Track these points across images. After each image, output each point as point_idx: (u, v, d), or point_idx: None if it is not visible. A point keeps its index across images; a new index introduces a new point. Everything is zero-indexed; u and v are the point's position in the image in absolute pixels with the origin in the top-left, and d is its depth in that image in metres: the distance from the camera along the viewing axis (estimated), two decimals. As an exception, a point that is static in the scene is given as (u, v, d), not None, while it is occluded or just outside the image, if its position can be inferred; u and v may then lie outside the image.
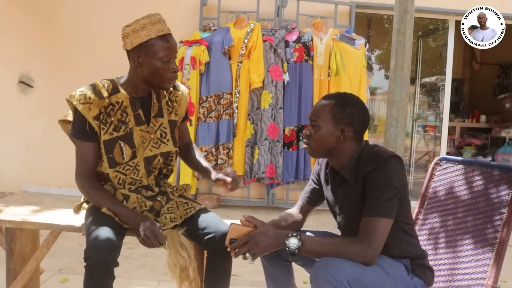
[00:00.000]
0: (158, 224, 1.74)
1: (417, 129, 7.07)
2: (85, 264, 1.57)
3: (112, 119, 1.78)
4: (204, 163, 2.02)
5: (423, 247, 1.80)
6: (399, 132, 3.11)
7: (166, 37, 1.76)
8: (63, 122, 1.91)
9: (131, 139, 1.81)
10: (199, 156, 2.06)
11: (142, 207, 1.83)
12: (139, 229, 1.68)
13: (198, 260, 1.90)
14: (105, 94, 1.78)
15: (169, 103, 1.93)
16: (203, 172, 2.01)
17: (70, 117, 1.86)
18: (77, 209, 1.94)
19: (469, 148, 7.23)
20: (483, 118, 7.44)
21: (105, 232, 1.61)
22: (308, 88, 4.61)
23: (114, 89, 1.81)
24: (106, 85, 1.81)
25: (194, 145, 2.11)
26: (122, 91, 1.82)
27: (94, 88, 1.79)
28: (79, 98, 1.76)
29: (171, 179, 2.11)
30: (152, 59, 1.74)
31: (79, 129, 1.78)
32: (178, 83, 1.99)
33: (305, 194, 1.88)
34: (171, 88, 1.93)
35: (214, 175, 1.89)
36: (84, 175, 1.79)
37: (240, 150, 4.63)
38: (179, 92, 1.97)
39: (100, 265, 1.55)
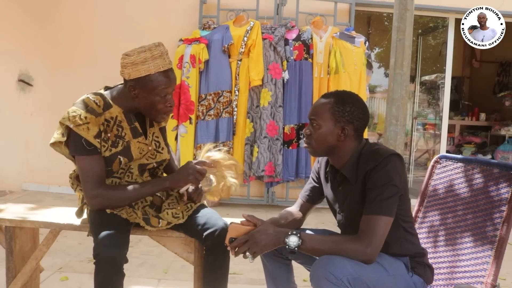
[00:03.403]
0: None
1: (416, 127, 7.07)
2: (94, 261, 1.57)
3: (109, 135, 1.75)
4: (175, 167, 2.03)
5: (423, 245, 1.80)
6: (399, 130, 3.11)
7: (166, 73, 1.71)
8: (55, 144, 1.80)
9: (129, 152, 1.80)
10: (172, 161, 2.04)
11: (143, 202, 1.84)
12: (182, 177, 1.78)
13: (198, 257, 1.90)
14: (99, 110, 1.74)
15: None
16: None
17: (60, 138, 1.76)
18: (79, 213, 1.94)
19: (468, 146, 7.23)
20: (482, 116, 7.44)
21: (111, 229, 1.62)
22: (308, 86, 4.61)
23: (106, 105, 1.77)
24: (97, 101, 1.75)
25: (169, 148, 2.06)
26: (114, 105, 1.78)
27: (87, 106, 1.73)
28: (74, 120, 1.69)
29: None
30: (149, 94, 1.70)
31: (80, 146, 1.71)
32: None
33: (305, 192, 1.88)
34: (172, 112, 1.93)
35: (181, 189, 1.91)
36: (96, 186, 1.71)
37: (240, 148, 4.63)
38: None
39: (109, 261, 1.55)
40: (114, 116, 1.77)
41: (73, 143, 1.73)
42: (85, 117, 1.70)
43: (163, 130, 1.95)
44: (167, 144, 1.95)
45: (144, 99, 1.72)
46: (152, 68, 1.68)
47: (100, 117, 1.74)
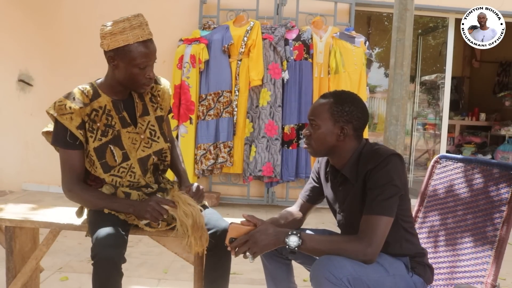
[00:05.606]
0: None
1: (416, 127, 7.07)
2: (92, 261, 1.56)
3: (98, 124, 1.75)
4: (181, 167, 2.02)
5: (423, 245, 1.80)
6: (399, 130, 3.11)
7: (145, 43, 1.69)
8: (47, 133, 1.86)
9: (119, 141, 1.79)
10: (177, 158, 2.04)
11: None
12: (142, 210, 1.69)
13: (198, 257, 1.90)
14: (86, 101, 1.75)
15: (153, 99, 1.90)
16: (176, 177, 2.04)
17: (51, 128, 1.81)
18: (80, 213, 1.94)
19: (468, 146, 7.23)
20: (482, 116, 7.44)
21: (110, 229, 1.61)
22: (308, 86, 4.60)
23: (94, 94, 1.77)
24: (85, 91, 1.76)
25: (175, 143, 2.08)
26: (103, 94, 1.78)
27: (74, 96, 1.74)
28: (59, 109, 1.71)
29: (171, 177, 2.10)
30: (127, 65, 1.69)
31: (61, 138, 1.74)
32: (158, 76, 1.95)
33: (305, 192, 1.88)
34: (152, 83, 1.88)
35: (182, 187, 1.90)
36: (71, 181, 1.77)
37: (240, 148, 4.63)
38: (161, 86, 1.94)
39: (107, 261, 1.54)
40: (103, 106, 1.77)
41: (54, 133, 1.77)
42: (69, 107, 1.72)
43: (159, 119, 1.90)
44: (163, 134, 1.89)
45: (123, 70, 1.71)
46: (131, 38, 1.66)
47: (86, 108, 1.74)
